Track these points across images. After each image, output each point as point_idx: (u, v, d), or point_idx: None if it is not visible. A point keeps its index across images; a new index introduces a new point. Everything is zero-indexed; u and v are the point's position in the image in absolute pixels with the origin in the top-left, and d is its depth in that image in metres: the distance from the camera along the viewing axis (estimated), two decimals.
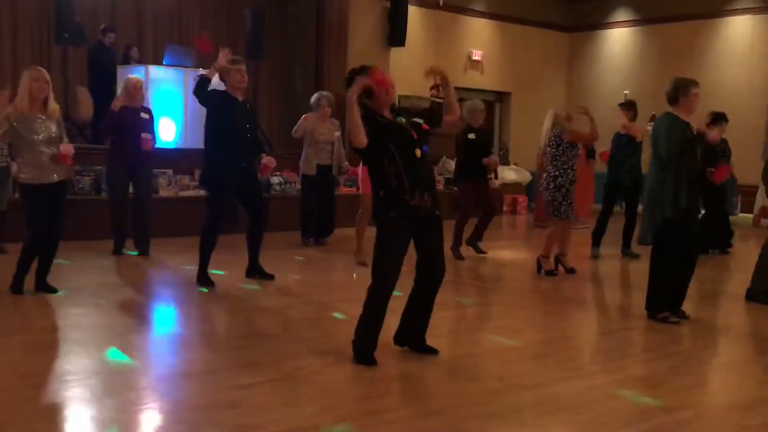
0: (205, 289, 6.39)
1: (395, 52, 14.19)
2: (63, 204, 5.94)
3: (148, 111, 8.04)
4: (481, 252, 8.55)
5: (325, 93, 9.15)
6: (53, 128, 5.76)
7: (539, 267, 7.57)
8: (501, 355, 4.86)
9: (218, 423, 3.50)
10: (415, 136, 4.49)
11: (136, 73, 10.64)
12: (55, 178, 5.77)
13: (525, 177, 14.44)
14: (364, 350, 4.46)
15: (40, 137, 5.66)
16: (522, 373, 4.45)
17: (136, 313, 5.81)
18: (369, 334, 4.48)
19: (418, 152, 4.47)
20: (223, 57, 6.36)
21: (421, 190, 4.42)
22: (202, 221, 6.58)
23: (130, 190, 8.06)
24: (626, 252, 8.85)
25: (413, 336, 4.70)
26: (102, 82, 11.01)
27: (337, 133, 9.01)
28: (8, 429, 3.35)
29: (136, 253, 7.97)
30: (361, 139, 4.34)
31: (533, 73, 16.31)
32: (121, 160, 7.83)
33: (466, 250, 8.42)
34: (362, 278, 7.11)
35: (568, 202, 7.39)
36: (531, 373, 4.45)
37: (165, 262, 7.81)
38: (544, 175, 7.61)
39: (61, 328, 5.17)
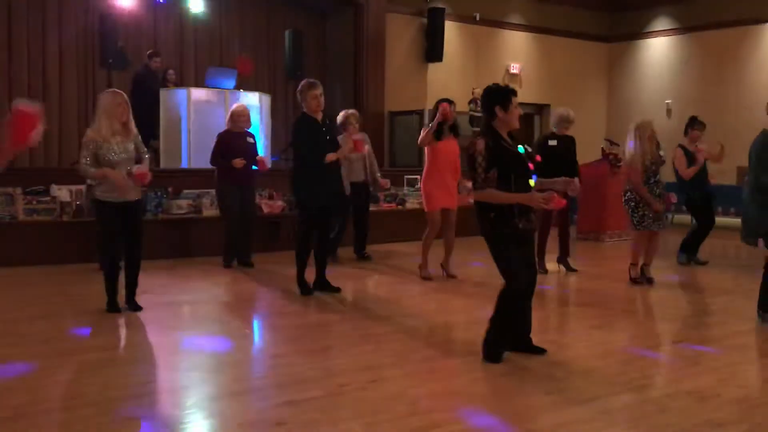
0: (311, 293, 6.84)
1: (433, 67, 14.22)
2: (141, 223, 6.12)
3: (252, 135, 8.64)
4: (573, 269, 8.48)
5: (351, 111, 9.05)
6: (131, 148, 5.92)
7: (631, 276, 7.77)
8: (549, 370, 4.79)
9: None
10: (531, 167, 4.75)
11: (177, 95, 10.86)
12: (133, 197, 5.94)
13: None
14: (496, 349, 4.77)
15: (118, 158, 5.81)
16: (572, 388, 4.38)
17: (185, 331, 5.86)
18: (503, 334, 4.81)
19: (532, 182, 4.73)
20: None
21: (528, 215, 4.73)
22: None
23: None
24: (693, 259, 9.05)
25: (520, 336, 5.02)
26: (147, 106, 11.21)
27: (367, 146, 8.91)
28: None
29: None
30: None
31: (573, 84, 16.19)
32: (232, 181, 8.35)
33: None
34: (409, 293, 7.11)
35: (640, 214, 7.52)
36: (581, 388, 4.39)
37: (221, 279, 7.89)
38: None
39: (112, 348, 5.24)
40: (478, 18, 14.93)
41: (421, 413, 3.99)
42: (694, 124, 8.96)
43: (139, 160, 6.02)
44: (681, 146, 8.90)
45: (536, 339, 5.74)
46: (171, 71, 11.97)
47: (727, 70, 14.68)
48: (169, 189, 9.60)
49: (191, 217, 9.41)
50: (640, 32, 16.26)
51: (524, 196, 4.62)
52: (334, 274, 7.34)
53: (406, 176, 11.95)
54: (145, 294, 6.73)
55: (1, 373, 4.55)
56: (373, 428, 3.67)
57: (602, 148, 12.20)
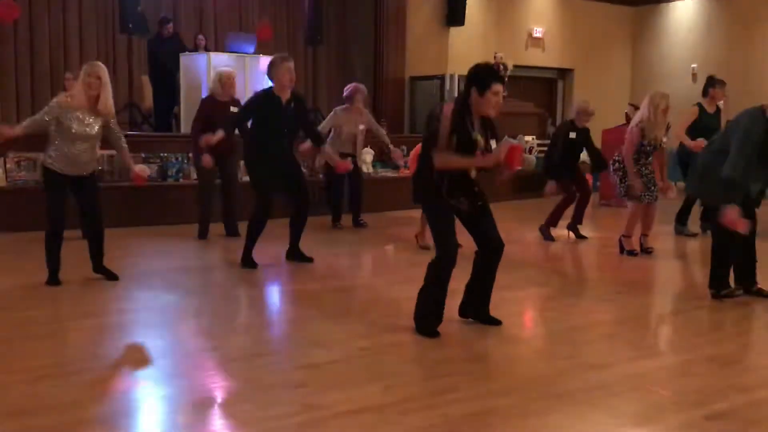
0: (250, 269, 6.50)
1: (454, 31, 14.06)
2: (97, 197, 5.89)
3: (238, 103, 7.99)
4: (582, 237, 8.39)
5: (361, 88, 9.09)
6: (96, 127, 5.68)
7: (621, 247, 7.43)
8: (569, 335, 4.78)
9: (285, 403, 3.53)
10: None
11: (198, 61, 10.80)
12: (84, 173, 5.74)
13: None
14: (426, 322, 4.56)
15: (79, 131, 5.59)
16: (591, 353, 4.36)
17: (205, 296, 5.90)
18: (431, 305, 4.58)
19: (473, 173, 4.53)
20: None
21: (460, 196, 4.54)
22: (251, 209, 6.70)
23: None
24: (680, 230, 8.70)
25: (477, 306, 4.78)
26: (162, 73, 11.21)
27: (362, 126, 9.02)
28: (83, 409, 3.44)
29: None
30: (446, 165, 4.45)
31: (596, 48, 15.95)
32: (209, 151, 7.68)
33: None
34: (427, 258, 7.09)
35: (627, 184, 7.24)
36: (600, 353, 4.37)
37: (234, 246, 7.91)
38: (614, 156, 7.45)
39: (132, 311, 5.27)
40: None
41: (441, 376, 3.99)
42: (714, 83, 8.44)
43: (118, 148, 5.92)
44: (699, 105, 8.41)
45: (554, 304, 5.74)
46: (201, 36, 11.83)
47: (755, 34, 14.37)
48: (189, 154, 9.60)
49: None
50: None
51: (478, 159, 4.43)
52: (345, 239, 7.31)
53: None
54: (171, 260, 6.78)
55: (23, 335, 4.62)
56: (392, 391, 3.68)
57: (626, 113, 12.06)
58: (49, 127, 5.64)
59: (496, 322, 4.76)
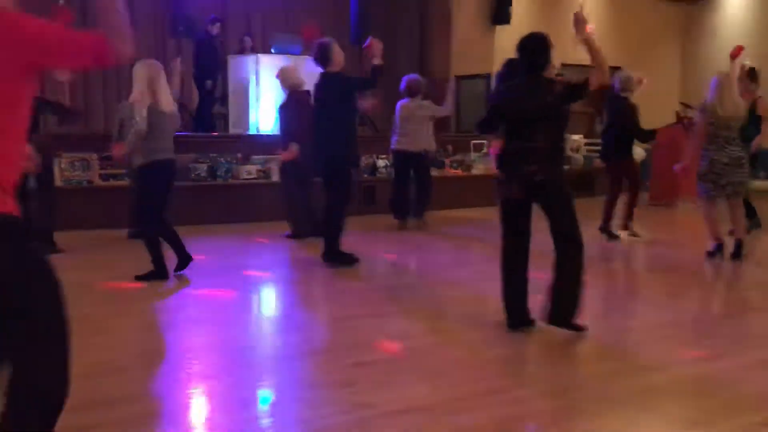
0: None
1: (500, 30, 13.96)
2: None
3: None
4: (615, 236, 8.13)
5: (418, 77, 9.17)
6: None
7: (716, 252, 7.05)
8: (621, 337, 4.71)
9: (333, 401, 3.55)
10: None
11: (247, 62, 10.89)
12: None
13: (639, 154, 13.91)
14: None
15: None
16: (644, 356, 4.29)
17: (254, 293, 5.96)
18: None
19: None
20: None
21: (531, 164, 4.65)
22: (332, 202, 6.59)
23: None
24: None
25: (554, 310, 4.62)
26: (207, 72, 11.35)
27: (428, 113, 9.03)
28: (133, 404, 3.50)
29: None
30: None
31: (646, 47, 15.69)
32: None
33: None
34: (477, 259, 7.05)
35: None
36: (653, 356, 4.29)
37: (285, 245, 7.98)
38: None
39: (180, 308, 5.36)
40: None
41: (490, 377, 3.97)
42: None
43: None
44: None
45: (606, 305, 5.66)
46: (247, 38, 11.94)
47: None
48: (238, 155, 9.72)
49: (260, 183, 9.51)
50: None
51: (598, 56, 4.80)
52: (402, 238, 7.24)
53: (472, 141, 11.81)
54: (224, 257, 6.85)
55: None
56: (441, 390, 3.67)
57: (676, 112, 11.84)
58: None
59: (578, 329, 4.53)
